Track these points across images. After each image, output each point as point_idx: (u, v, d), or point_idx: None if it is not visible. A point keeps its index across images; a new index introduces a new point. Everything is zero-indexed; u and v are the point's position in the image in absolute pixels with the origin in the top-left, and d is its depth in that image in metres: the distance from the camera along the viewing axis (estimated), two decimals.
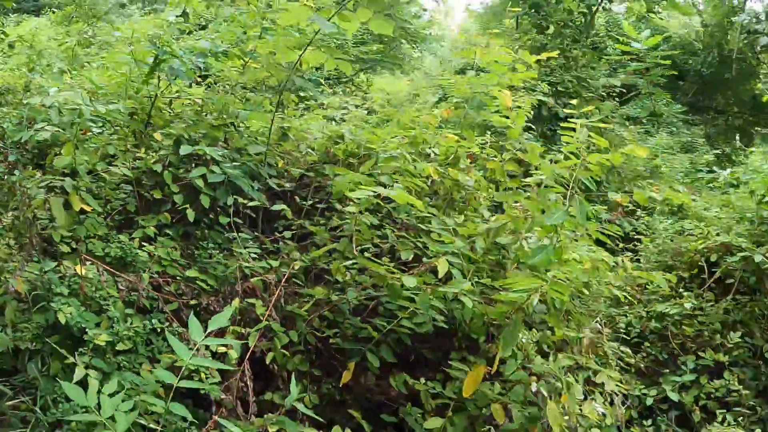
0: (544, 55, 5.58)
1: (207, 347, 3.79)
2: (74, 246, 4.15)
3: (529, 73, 5.34)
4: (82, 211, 4.24)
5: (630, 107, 12.24)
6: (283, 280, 4.13)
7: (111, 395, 3.04)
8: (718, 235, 6.27)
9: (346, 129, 5.10)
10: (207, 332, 3.07)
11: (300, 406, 3.34)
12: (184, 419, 3.34)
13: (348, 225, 4.18)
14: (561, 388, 3.85)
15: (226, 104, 4.89)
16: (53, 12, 14.01)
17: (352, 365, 3.95)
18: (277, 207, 4.42)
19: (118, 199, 4.54)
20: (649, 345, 6.08)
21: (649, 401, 5.57)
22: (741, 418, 5.33)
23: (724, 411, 5.35)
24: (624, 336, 5.99)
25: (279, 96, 4.73)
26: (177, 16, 6.16)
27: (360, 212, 4.00)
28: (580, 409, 4.04)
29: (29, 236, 4.10)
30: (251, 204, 4.48)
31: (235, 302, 3.99)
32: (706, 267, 6.30)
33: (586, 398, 4.44)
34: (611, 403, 4.95)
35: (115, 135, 4.93)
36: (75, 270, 3.89)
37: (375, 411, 4.11)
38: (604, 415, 4.58)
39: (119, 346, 3.68)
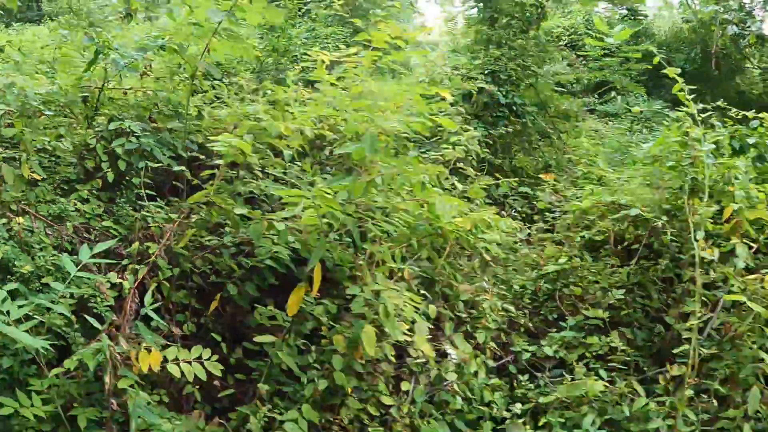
0: None
1: (109, 281, 4.81)
2: (24, 208, 5.25)
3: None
4: (35, 181, 5.37)
5: (608, 104, 12.75)
6: (174, 225, 5.10)
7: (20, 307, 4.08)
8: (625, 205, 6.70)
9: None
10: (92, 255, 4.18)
11: (154, 316, 4.32)
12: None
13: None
14: (384, 314, 4.56)
15: (155, 91, 5.97)
16: (52, 20, 15.68)
17: (218, 297, 4.87)
18: (177, 168, 5.42)
19: (66, 170, 5.66)
20: (539, 305, 6.64)
21: (526, 356, 5.97)
22: (626, 377, 5.75)
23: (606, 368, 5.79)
24: (519, 299, 6.60)
25: (191, 81, 5.72)
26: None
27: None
28: (410, 340, 4.78)
29: None
30: (176, 169, 5.49)
31: (135, 245, 5.01)
32: (612, 235, 6.79)
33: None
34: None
35: (65, 119, 6.07)
36: (18, 221, 4.98)
37: (243, 339, 5.01)
38: (447, 354, 5.30)
39: (44, 280, 4.70)
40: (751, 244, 5.96)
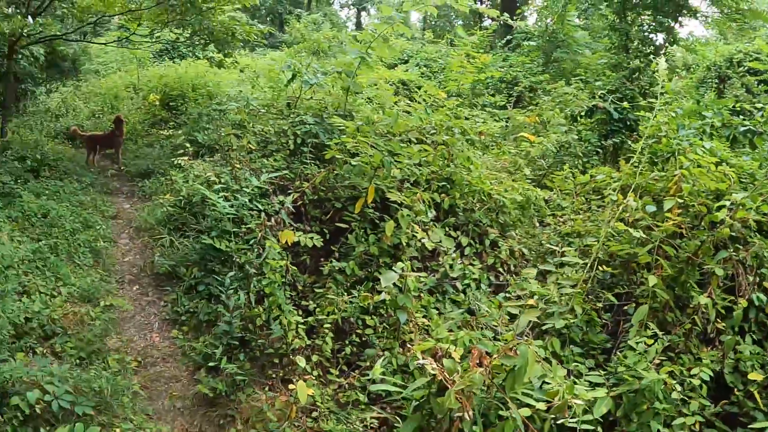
0: None
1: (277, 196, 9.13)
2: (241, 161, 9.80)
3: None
4: (251, 149, 9.96)
5: None
6: (319, 172, 9.30)
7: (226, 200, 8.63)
8: None
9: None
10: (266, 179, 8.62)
11: (285, 216, 8.52)
12: None
13: None
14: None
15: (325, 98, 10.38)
16: (287, 47, 20.83)
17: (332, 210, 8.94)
18: (328, 142, 9.61)
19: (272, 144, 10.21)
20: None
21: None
22: None
23: None
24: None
25: (347, 93, 9.98)
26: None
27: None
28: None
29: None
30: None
31: (297, 182, 9.30)
32: None
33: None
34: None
35: (273, 114, 10.70)
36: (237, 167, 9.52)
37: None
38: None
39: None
40: None
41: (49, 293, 8.04)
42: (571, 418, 5.73)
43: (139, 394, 6.94)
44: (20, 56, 15.05)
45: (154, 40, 16.78)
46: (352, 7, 50.11)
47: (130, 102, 18.45)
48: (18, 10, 13.24)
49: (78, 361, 7.13)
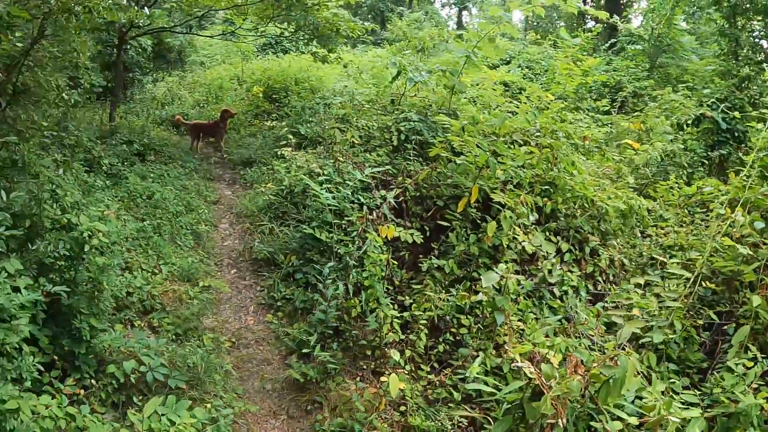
0: None
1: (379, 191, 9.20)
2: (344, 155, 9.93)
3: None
4: (353, 143, 10.08)
5: None
6: (422, 170, 9.31)
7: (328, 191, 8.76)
8: None
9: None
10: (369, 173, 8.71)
11: (386, 211, 8.56)
12: None
13: None
14: None
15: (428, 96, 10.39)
16: (390, 45, 20.75)
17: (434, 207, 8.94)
18: (432, 140, 9.62)
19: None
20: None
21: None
22: None
23: None
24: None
25: (451, 91, 9.97)
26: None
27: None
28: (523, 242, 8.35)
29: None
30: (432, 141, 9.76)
31: (399, 178, 9.34)
32: None
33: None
34: None
35: (376, 110, 10.77)
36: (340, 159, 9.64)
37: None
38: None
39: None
40: None
41: (151, 270, 8.32)
42: None
43: (231, 374, 7.12)
44: (129, 46, 15.64)
45: (258, 34, 17.14)
46: (453, 6, 49.98)
47: (234, 93, 18.92)
48: (132, 1, 13.77)
49: (174, 336, 7.37)
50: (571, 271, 8.37)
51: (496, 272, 7.06)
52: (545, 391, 5.51)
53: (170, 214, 9.97)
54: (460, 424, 6.54)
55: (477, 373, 6.37)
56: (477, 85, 11.19)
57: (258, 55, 23.98)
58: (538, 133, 9.61)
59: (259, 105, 17.38)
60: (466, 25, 46.67)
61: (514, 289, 7.20)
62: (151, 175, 11.58)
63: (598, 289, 8.44)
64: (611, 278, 8.70)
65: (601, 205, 8.98)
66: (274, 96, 17.54)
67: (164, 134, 15.38)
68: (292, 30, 15.44)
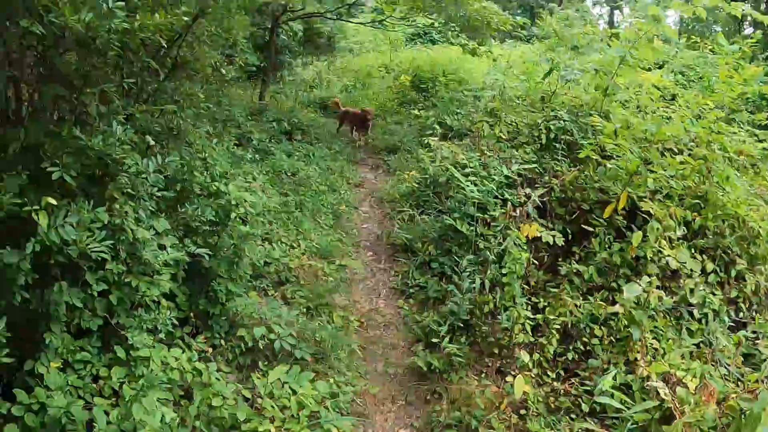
0: None
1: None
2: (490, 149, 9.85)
3: None
4: (502, 139, 9.98)
5: None
6: (570, 170, 9.12)
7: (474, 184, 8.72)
8: None
9: None
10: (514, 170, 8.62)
11: (531, 210, 8.44)
12: None
13: None
14: None
15: (579, 96, 10.12)
16: (540, 41, 20.18)
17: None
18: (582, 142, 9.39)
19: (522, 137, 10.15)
20: None
21: None
22: None
23: None
24: None
25: (604, 92, 9.68)
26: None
27: None
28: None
29: None
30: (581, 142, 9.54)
31: (546, 177, 9.19)
32: None
33: None
34: None
35: (526, 106, 10.59)
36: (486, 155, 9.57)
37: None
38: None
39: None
40: None
41: (290, 244, 8.60)
42: None
43: (356, 353, 7.23)
44: (281, 30, 16.15)
45: (408, 24, 17.28)
46: (604, 5, 48.70)
47: (381, 81, 19.20)
48: None
49: (305, 310, 7.58)
50: (714, 293, 7.96)
51: (639, 285, 6.82)
52: (678, 415, 5.31)
53: (313, 192, 10.26)
54: None
55: (608, 387, 6.19)
56: (629, 88, 10.83)
57: (406, 45, 24.22)
58: (692, 143, 9.19)
59: (405, 94, 17.56)
60: (617, 24, 45.35)
61: (655, 305, 6.93)
62: (297, 153, 11.94)
63: (740, 316, 7.99)
64: (755, 306, 8.23)
65: (753, 226, 8.49)
66: (421, 86, 17.68)
67: (312, 116, 15.80)
68: (442, 21, 15.46)
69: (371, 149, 14.14)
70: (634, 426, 5.71)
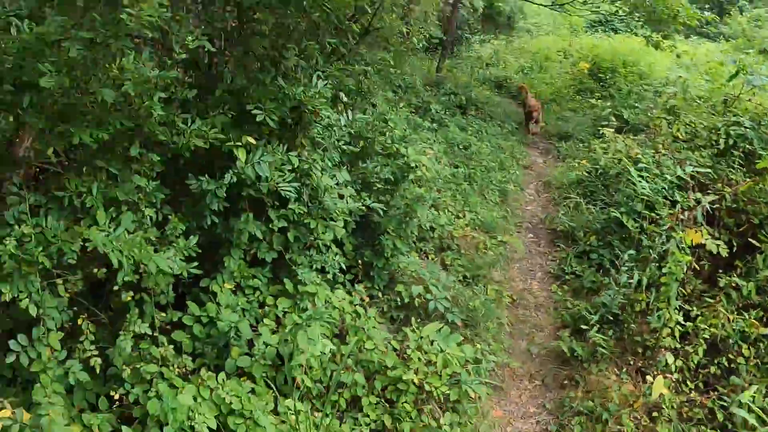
0: None
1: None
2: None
3: None
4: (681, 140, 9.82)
5: None
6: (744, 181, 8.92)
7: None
8: None
9: None
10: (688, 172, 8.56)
11: (700, 217, 8.35)
12: None
13: None
14: None
15: None
16: (727, 40, 19.02)
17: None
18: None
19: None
20: None
21: None
22: None
23: None
24: None
25: None
26: None
27: None
28: None
29: None
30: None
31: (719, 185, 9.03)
32: None
33: None
34: None
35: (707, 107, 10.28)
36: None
37: None
38: None
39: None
40: None
41: (456, 214, 8.97)
42: None
43: (504, 328, 7.54)
44: (461, 5, 16.38)
45: (591, 9, 16.98)
46: None
47: (558, 65, 19.10)
48: None
49: (462, 278, 7.97)
50: None
51: None
52: None
53: (483, 167, 10.57)
54: None
55: (747, 400, 6.14)
56: None
57: (586, 31, 23.84)
58: None
59: (582, 81, 17.39)
60: None
61: None
62: (470, 128, 12.27)
63: None
64: None
65: None
66: (599, 74, 17.44)
67: (486, 93, 16.00)
68: (627, 10, 15.17)
69: (543, 134, 14.22)
70: None
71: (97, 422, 4.66)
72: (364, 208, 6.52)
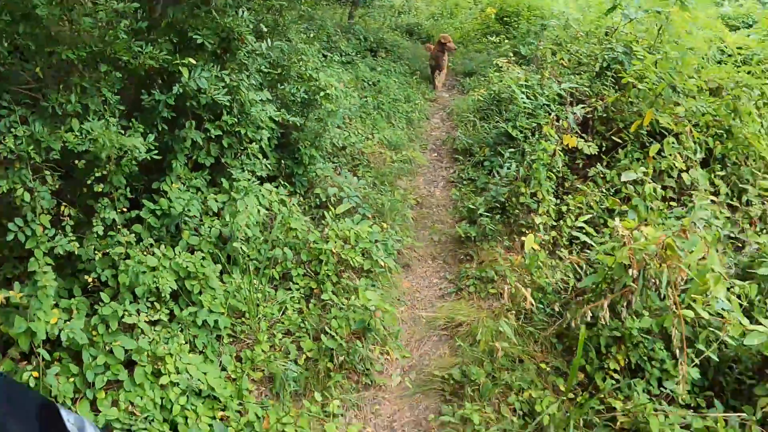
0: None
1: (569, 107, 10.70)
2: None
3: None
4: None
5: None
6: None
7: None
8: None
9: None
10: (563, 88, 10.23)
11: (572, 122, 10.09)
12: None
13: None
14: None
15: None
16: None
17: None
18: None
19: None
20: None
21: None
22: None
23: None
24: None
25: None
26: None
27: None
28: None
29: None
30: None
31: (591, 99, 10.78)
32: None
33: None
34: None
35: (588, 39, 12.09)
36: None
37: None
38: None
39: None
40: None
41: (365, 136, 10.48)
42: None
43: (409, 220, 9.12)
44: None
45: None
46: None
47: (468, 12, 20.70)
48: None
49: (371, 184, 9.51)
50: (721, 212, 9.40)
51: (636, 173, 8.36)
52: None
53: (390, 99, 12.08)
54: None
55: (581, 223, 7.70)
56: (690, 33, 12.10)
57: None
58: (732, 85, 10.55)
59: (489, 26, 19.01)
60: None
61: (650, 193, 8.42)
62: (379, 68, 13.75)
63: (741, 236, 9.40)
64: (758, 231, 9.54)
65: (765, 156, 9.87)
66: (505, 18, 19.09)
67: (397, 38, 17.52)
68: None
69: (450, 73, 15.81)
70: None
71: (75, 303, 5.71)
72: (286, 117, 7.99)
